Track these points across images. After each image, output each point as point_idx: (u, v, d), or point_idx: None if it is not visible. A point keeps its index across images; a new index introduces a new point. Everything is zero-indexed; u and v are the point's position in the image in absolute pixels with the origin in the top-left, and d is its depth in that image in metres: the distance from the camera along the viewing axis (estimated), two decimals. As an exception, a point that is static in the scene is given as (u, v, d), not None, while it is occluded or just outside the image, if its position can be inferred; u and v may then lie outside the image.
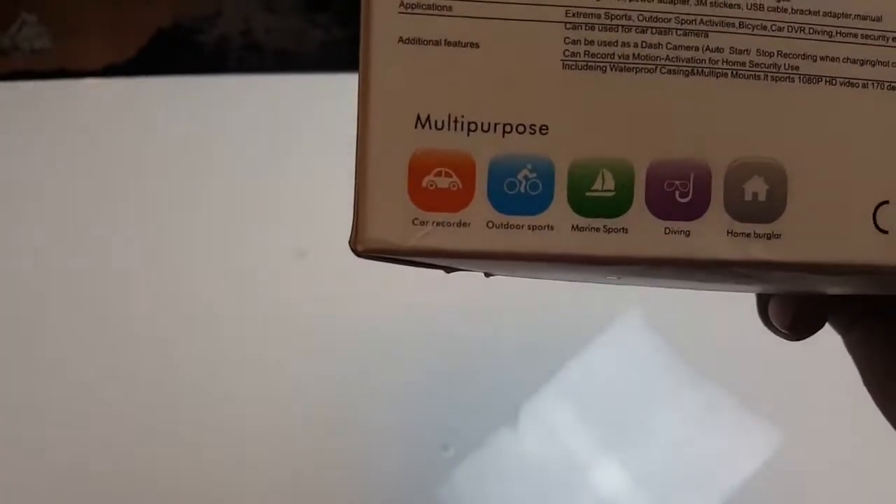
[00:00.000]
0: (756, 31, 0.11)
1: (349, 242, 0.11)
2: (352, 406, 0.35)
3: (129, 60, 0.53)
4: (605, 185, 0.11)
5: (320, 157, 0.43)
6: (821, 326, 0.17)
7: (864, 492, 0.35)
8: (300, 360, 0.36)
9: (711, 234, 0.11)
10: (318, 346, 0.36)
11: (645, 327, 0.39)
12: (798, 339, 0.18)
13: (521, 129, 0.11)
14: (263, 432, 0.34)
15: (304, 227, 0.40)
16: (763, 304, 0.19)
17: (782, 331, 0.18)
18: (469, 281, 0.39)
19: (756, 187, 0.11)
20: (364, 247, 0.11)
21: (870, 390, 0.17)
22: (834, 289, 0.15)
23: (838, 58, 0.11)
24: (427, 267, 0.13)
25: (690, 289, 0.17)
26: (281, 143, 0.43)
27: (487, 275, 0.15)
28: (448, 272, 0.14)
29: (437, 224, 0.11)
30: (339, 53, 0.55)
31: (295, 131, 0.44)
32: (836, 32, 0.11)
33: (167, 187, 0.42)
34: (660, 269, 0.12)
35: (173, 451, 0.33)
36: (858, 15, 0.11)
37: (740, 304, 0.21)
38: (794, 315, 0.17)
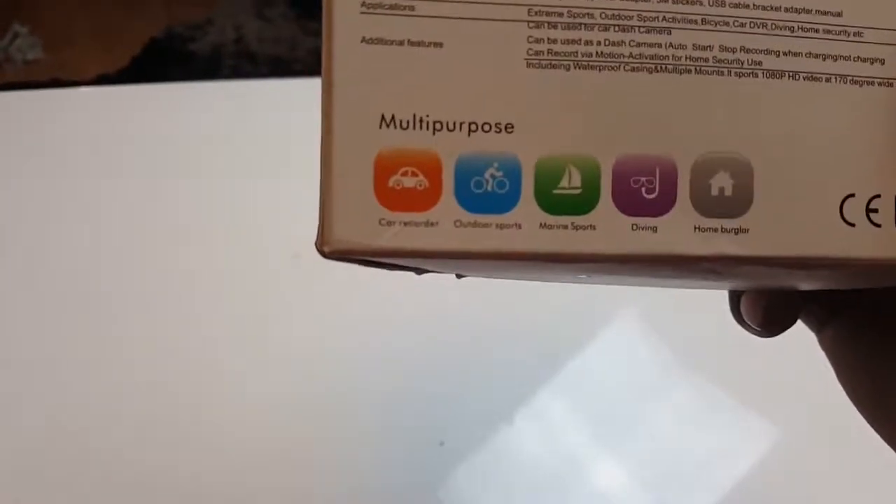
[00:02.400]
0: (719, 28, 0.11)
1: (315, 244, 0.11)
2: (350, 402, 0.35)
3: (122, 70, 0.53)
4: (571, 182, 0.11)
5: (314, 161, 0.43)
6: (792, 323, 0.17)
7: (859, 489, 0.35)
8: (297, 360, 0.36)
9: (679, 230, 0.11)
10: (315, 346, 0.36)
11: (641, 326, 0.40)
12: (770, 336, 0.18)
13: (486, 127, 0.11)
14: (259, 430, 0.34)
15: (300, 231, 0.40)
16: (735, 301, 0.19)
17: (754, 327, 0.18)
18: (466, 281, 0.39)
19: (722, 182, 0.11)
20: (331, 248, 0.11)
21: (843, 386, 0.18)
22: (803, 283, 0.15)
23: (801, 53, 0.11)
24: (397, 269, 0.13)
25: (660, 286, 0.17)
26: (275, 148, 0.44)
27: (459, 276, 0.15)
28: (419, 273, 0.14)
29: (405, 224, 0.11)
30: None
31: (288, 136, 0.44)
32: (798, 28, 0.11)
33: (163, 193, 0.42)
34: (628, 266, 0.11)
35: (167, 448, 0.33)
36: (819, 10, 0.11)
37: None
38: (764, 311, 0.17)
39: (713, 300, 0.21)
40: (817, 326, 0.18)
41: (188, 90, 0.48)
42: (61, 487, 0.33)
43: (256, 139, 0.44)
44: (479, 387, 0.36)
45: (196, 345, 0.37)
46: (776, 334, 0.18)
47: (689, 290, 0.21)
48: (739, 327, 0.19)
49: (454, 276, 0.15)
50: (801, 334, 0.18)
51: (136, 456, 0.33)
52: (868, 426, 0.17)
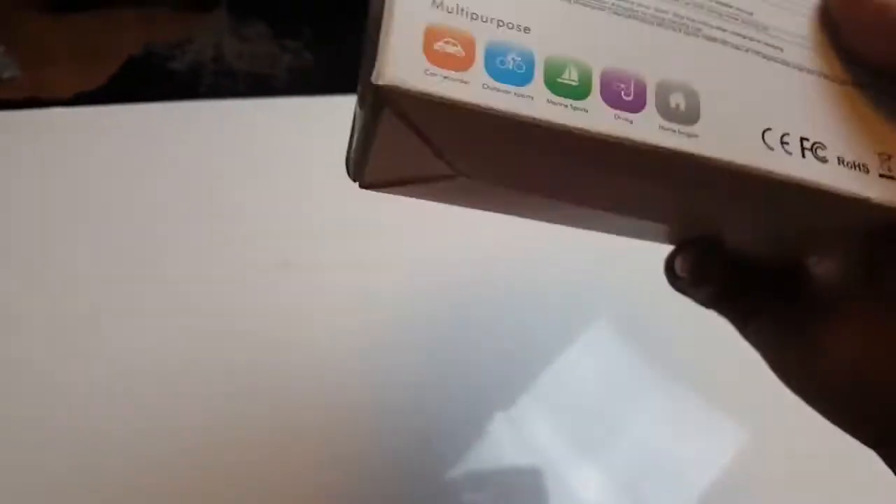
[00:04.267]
0: (672, 1, 0.15)
1: (371, 79, 0.13)
2: (337, 407, 0.36)
3: (100, 88, 0.53)
4: (571, 76, 0.14)
5: (295, 176, 0.44)
6: (718, 282, 0.20)
7: (832, 492, 0.36)
8: (285, 364, 0.36)
9: (648, 125, 0.14)
10: (303, 351, 0.37)
11: (615, 332, 0.40)
12: (698, 296, 0.20)
13: (510, 25, 0.14)
14: (249, 435, 0.34)
15: (285, 240, 0.40)
16: (671, 265, 0.21)
17: (684, 276, 0.20)
18: (448, 292, 0.40)
19: (677, 100, 0.15)
20: (385, 81, 0.13)
21: (773, 370, 0.19)
22: (733, 212, 0.18)
23: (727, 29, 0.16)
24: (408, 181, 0.16)
25: (619, 214, 0.19)
26: (256, 165, 0.44)
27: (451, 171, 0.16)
28: (435, 157, 0.15)
29: (444, 77, 0.13)
30: (310, 78, 0.56)
31: (269, 154, 0.45)
32: (725, 14, 0.16)
33: (146, 209, 0.42)
34: (608, 156, 0.14)
35: (157, 453, 0.33)
36: (738, 7, 0.16)
37: (708, 313, 0.22)
38: (692, 260, 0.19)
39: (687, 306, 0.22)
40: (741, 323, 0.20)
41: (167, 109, 0.48)
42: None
43: (239, 156, 0.44)
44: (457, 393, 0.37)
45: (187, 349, 0.37)
46: (703, 288, 0.20)
47: (660, 289, 0.22)
48: (709, 333, 0.21)
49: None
50: None
51: (117, 470, 0.33)
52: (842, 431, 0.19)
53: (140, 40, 0.57)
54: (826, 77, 0.16)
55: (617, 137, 0.14)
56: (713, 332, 0.24)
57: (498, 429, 0.37)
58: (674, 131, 0.14)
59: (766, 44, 0.16)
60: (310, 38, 0.56)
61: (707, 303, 0.21)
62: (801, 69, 0.16)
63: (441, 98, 0.13)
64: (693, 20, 0.15)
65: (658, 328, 0.39)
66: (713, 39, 0.15)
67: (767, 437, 0.37)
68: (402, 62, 0.13)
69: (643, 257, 0.23)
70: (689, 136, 0.14)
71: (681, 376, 0.39)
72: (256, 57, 0.55)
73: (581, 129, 0.14)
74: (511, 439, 0.37)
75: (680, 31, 0.15)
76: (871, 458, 0.19)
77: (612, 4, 0.15)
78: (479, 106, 0.13)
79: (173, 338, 0.36)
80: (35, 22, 0.56)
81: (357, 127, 0.16)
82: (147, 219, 0.41)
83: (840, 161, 0.15)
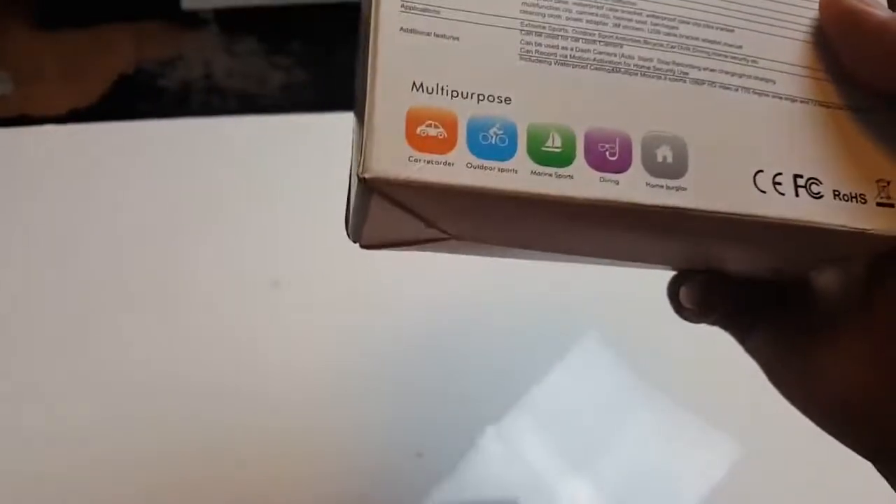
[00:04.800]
0: (656, 47, 0.15)
1: (357, 174, 0.13)
2: (327, 420, 0.36)
3: (91, 106, 0.53)
4: (554, 143, 0.14)
5: (284, 193, 0.44)
6: (724, 309, 0.20)
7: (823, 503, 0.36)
8: (276, 378, 0.36)
9: (634, 184, 0.14)
10: (295, 365, 0.37)
11: (605, 349, 0.41)
12: (703, 320, 0.20)
13: (490, 98, 0.14)
14: (238, 449, 0.34)
15: (276, 259, 0.41)
16: (674, 292, 0.21)
17: (690, 308, 0.20)
18: (437, 304, 0.40)
19: (664, 153, 0.14)
20: (371, 175, 0.13)
21: (773, 384, 0.19)
22: (731, 252, 0.18)
23: (715, 69, 0.15)
24: (403, 243, 0.16)
25: (616, 259, 0.19)
26: (246, 182, 0.44)
27: (444, 234, 0.16)
28: (427, 227, 0.16)
29: (428, 162, 0.13)
30: (300, 95, 0.57)
31: (258, 170, 0.45)
32: (713, 53, 0.15)
33: (138, 226, 0.42)
34: (596, 216, 0.14)
35: (145, 467, 0.33)
36: (726, 43, 0.16)
37: (700, 329, 0.22)
38: (699, 292, 0.19)
39: (676, 324, 0.22)
40: (742, 335, 0.20)
41: (158, 127, 0.49)
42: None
43: (229, 174, 0.45)
44: (448, 407, 0.37)
45: (177, 367, 0.37)
46: (707, 316, 0.20)
47: (652, 314, 0.22)
48: (698, 347, 0.21)
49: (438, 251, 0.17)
50: None
51: (113, 470, 0.33)
52: (833, 445, 0.19)
53: (131, 57, 0.58)
54: (821, 104, 0.15)
55: (603, 201, 0.14)
56: (706, 347, 0.24)
57: (489, 443, 0.37)
58: (661, 187, 0.14)
59: (757, 78, 0.15)
60: (300, 53, 0.57)
61: (709, 323, 0.21)
62: (794, 100, 0.15)
63: (426, 183, 0.13)
64: (679, 65, 0.15)
65: (649, 342, 0.40)
66: (700, 83, 0.15)
67: (760, 451, 0.38)
68: (385, 153, 0.13)
69: (635, 272, 0.23)
70: (678, 189, 0.14)
71: (673, 391, 0.39)
72: (247, 76, 0.56)
73: (567, 198, 0.14)
74: (502, 453, 0.37)
75: (665, 79, 0.15)
76: (867, 472, 0.19)
77: (594, 60, 0.15)
78: (464, 186, 0.13)
79: (163, 353, 0.36)
80: (26, 42, 0.56)
81: (351, 193, 0.15)
82: (138, 234, 0.41)
83: (836, 195, 0.15)
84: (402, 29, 0.14)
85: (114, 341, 0.37)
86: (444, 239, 0.16)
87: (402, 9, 0.14)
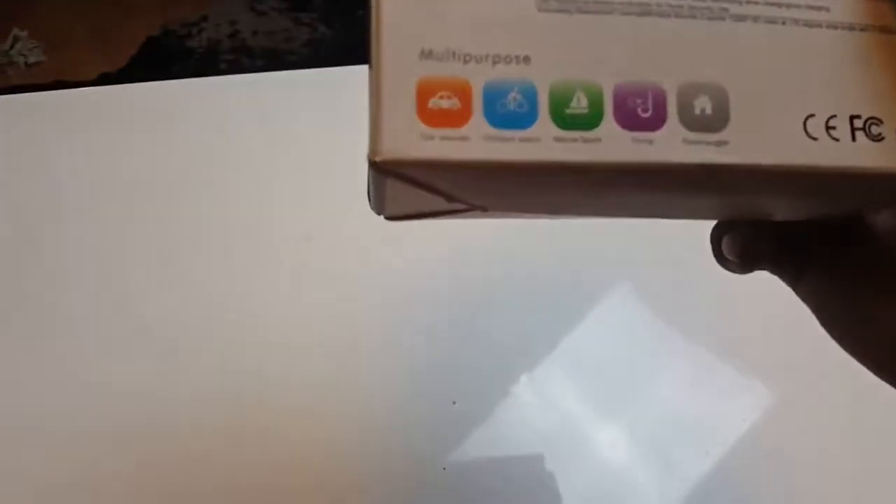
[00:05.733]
0: None
1: (368, 157, 0.12)
2: (368, 368, 0.37)
3: (121, 69, 0.54)
4: (580, 103, 0.13)
5: (315, 148, 0.44)
6: (767, 259, 0.19)
7: (856, 450, 0.36)
8: (310, 328, 0.37)
9: (670, 142, 0.13)
10: (328, 315, 0.37)
11: (637, 298, 0.41)
12: (747, 271, 0.20)
13: (507, 59, 0.13)
14: (273, 407, 0.35)
15: (308, 214, 0.41)
16: (717, 242, 0.20)
17: (733, 259, 0.19)
18: (466, 257, 0.40)
19: (703, 104, 0.13)
20: (381, 157, 0.12)
21: (826, 329, 0.19)
22: (780, 202, 0.17)
23: (759, 2, 0.13)
24: (433, 215, 0.15)
25: (649, 216, 0.18)
26: (277, 138, 0.45)
27: (483, 210, 0.16)
28: (448, 202, 0.15)
29: (443, 138, 0.12)
30: (326, 49, 0.56)
31: (289, 126, 0.45)
32: None
33: (175, 185, 0.43)
34: (631, 179, 0.13)
35: (173, 434, 0.35)
36: None
37: (727, 277, 0.22)
38: (742, 243, 0.19)
39: (708, 270, 0.22)
40: (793, 281, 0.20)
41: (188, 86, 0.49)
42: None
43: (261, 130, 0.45)
44: (482, 355, 0.37)
45: (213, 322, 0.38)
46: (752, 268, 0.19)
47: (685, 263, 0.22)
48: (736, 300, 0.20)
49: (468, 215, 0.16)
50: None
51: (142, 454, 0.34)
52: (865, 393, 0.18)
53: (157, 20, 0.58)
54: (885, 30, 0.14)
55: (636, 163, 0.13)
56: (737, 295, 0.24)
57: (523, 390, 0.37)
58: (700, 143, 0.13)
59: (809, 6, 0.14)
60: (323, 9, 0.56)
61: (758, 269, 0.20)
62: (852, 28, 0.14)
63: (442, 161, 0.12)
64: (717, 0, 0.13)
65: (681, 291, 0.40)
66: (742, 19, 0.13)
67: (792, 397, 0.38)
68: (396, 132, 0.12)
69: (669, 223, 0.23)
70: (719, 144, 0.13)
71: (706, 340, 0.39)
72: (273, 34, 0.56)
73: (595, 162, 0.13)
74: (535, 401, 0.37)
75: (703, 17, 0.13)
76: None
77: (621, 2, 0.13)
78: (482, 160, 0.12)
79: (203, 307, 0.37)
80: (54, 8, 0.56)
81: (369, 174, 0.14)
82: (171, 191, 0.42)
83: None
84: None
85: (151, 291, 0.39)
86: (468, 210, 0.15)
87: None
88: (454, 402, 0.36)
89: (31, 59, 0.53)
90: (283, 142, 0.45)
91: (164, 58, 0.55)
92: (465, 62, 0.13)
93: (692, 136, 0.13)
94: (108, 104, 0.47)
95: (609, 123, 0.13)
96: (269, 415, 0.35)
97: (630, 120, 0.13)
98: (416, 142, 0.12)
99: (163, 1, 0.58)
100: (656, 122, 0.13)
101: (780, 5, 0.14)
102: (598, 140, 0.13)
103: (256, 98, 0.47)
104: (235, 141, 0.45)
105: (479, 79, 0.13)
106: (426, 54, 0.13)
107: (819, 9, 0.14)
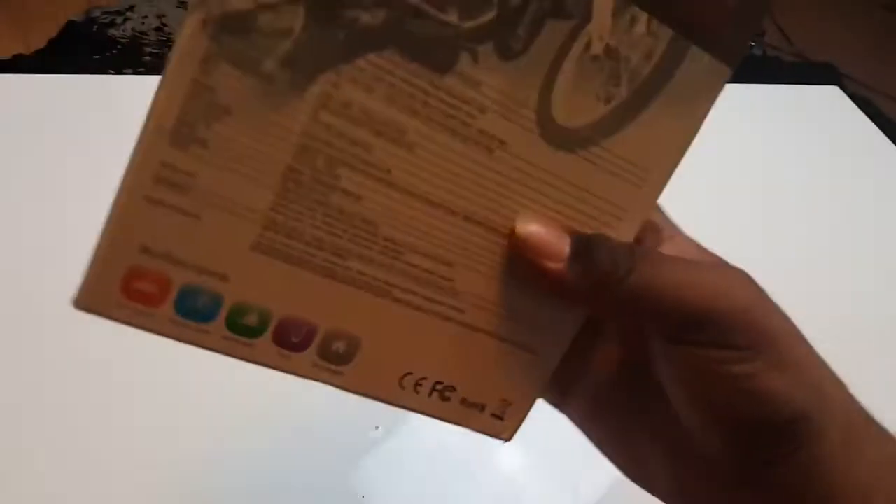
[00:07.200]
0: (377, 266, 0.18)
1: (72, 296, 0.16)
2: (291, 394, 0.37)
3: (38, 51, 0.52)
4: (251, 320, 0.17)
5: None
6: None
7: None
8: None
9: (303, 362, 0.18)
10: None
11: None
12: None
13: (210, 273, 0.16)
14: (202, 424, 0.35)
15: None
16: None
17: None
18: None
19: (340, 346, 0.18)
20: (78, 305, 0.16)
21: (600, 450, 0.21)
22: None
23: (417, 293, 0.18)
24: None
25: None
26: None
27: None
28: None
29: (135, 311, 0.16)
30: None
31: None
32: (424, 280, 0.18)
33: (86, 184, 0.42)
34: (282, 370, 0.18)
35: (148, 445, 0.34)
36: (441, 275, 0.18)
37: None
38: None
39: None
40: (557, 403, 0.22)
41: (111, 81, 0.48)
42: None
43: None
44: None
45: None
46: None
47: None
48: None
49: None
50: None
51: (129, 444, 0.34)
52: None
53: (82, 4, 0.56)
54: (491, 336, 0.19)
55: (273, 366, 0.18)
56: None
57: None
58: (323, 368, 0.18)
59: (451, 307, 0.19)
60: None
61: None
62: (473, 329, 0.19)
63: (128, 324, 0.16)
64: (389, 284, 0.18)
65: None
66: (398, 301, 0.18)
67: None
68: (98, 292, 0.16)
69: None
70: (335, 373, 0.18)
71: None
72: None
73: (244, 359, 0.17)
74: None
75: (371, 291, 0.18)
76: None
77: (318, 264, 0.17)
78: (161, 334, 0.16)
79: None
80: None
81: None
82: (86, 192, 0.41)
83: (462, 402, 0.20)
84: (147, 198, 0.15)
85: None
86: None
87: (154, 180, 0.15)
88: (377, 427, 0.37)
89: (-60, 33, 0.51)
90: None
91: (83, 45, 0.54)
92: (174, 265, 0.16)
93: (321, 362, 0.18)
94: (24, 92, 0.46)
95: (266, 338, 0.17)
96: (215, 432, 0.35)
97: (283, 340, 0.17)
98: (113, 306, 0.16)
99: (89, -16, 0.57)
100: (301, 347, 0.18)
101: (431, 300, 0.18)
102: (253, 346, 0.17)
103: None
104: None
105: (180, 279, 0.16)
106: (145, 249, 0.16)
107: (457, 310, 0.19)
